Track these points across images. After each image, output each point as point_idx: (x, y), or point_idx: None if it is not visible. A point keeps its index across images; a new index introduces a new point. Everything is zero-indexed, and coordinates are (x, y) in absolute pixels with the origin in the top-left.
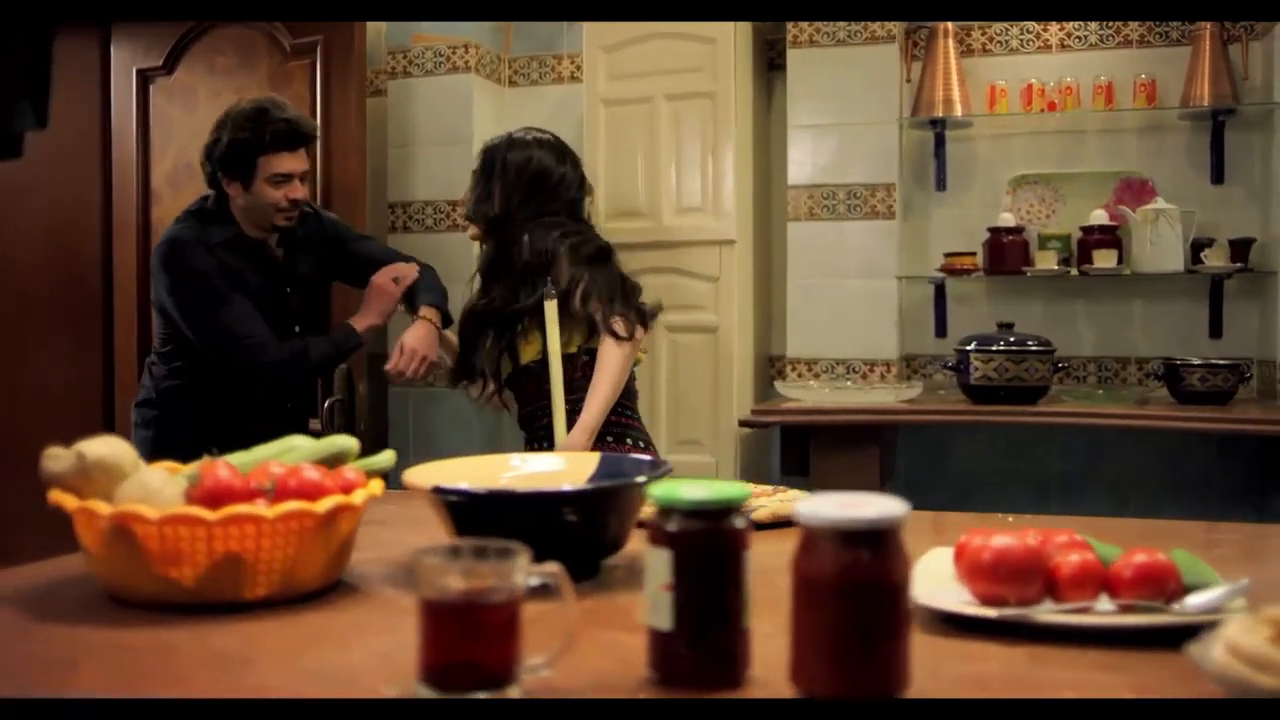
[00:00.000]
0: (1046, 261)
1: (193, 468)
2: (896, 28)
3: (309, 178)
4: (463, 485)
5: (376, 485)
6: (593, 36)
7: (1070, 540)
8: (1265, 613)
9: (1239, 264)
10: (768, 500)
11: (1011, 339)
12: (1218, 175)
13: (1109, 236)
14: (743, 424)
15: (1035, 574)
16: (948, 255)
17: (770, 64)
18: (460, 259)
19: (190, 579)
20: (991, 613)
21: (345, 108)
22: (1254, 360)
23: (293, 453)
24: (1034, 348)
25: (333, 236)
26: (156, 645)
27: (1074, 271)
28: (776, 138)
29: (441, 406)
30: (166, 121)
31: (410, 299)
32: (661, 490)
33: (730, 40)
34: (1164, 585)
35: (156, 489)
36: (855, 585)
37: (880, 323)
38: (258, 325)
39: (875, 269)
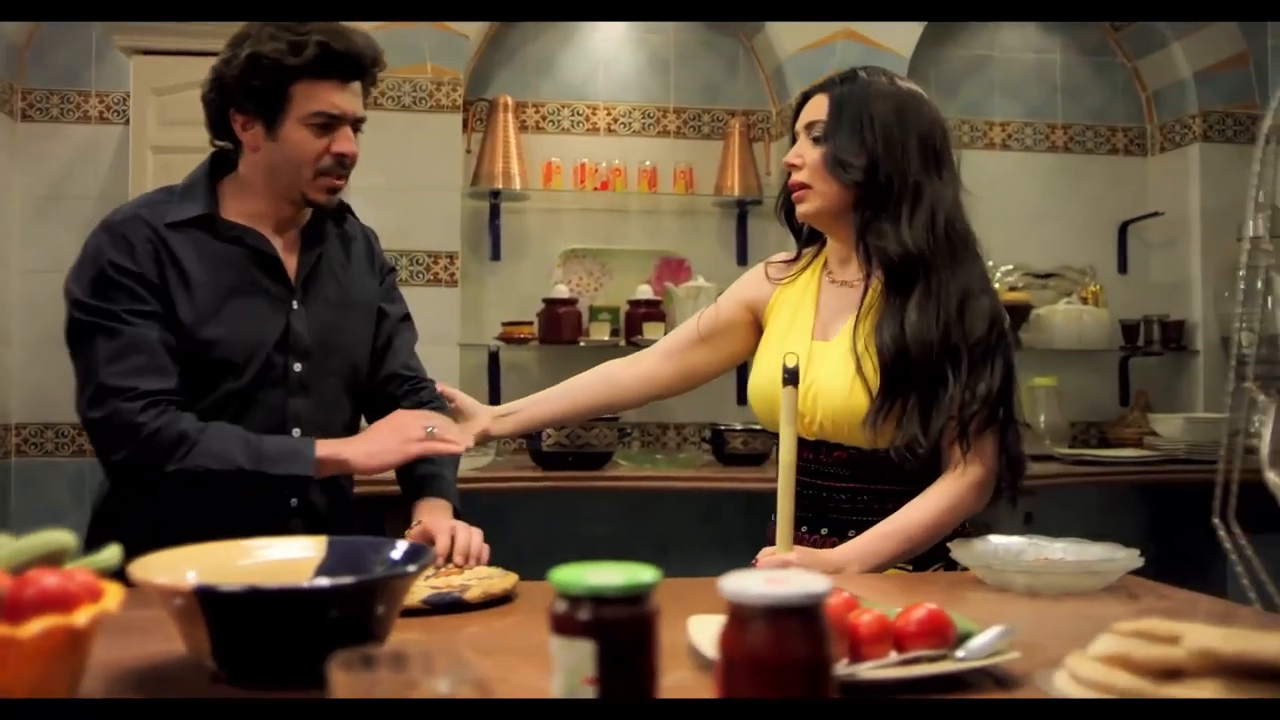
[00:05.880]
0: (600, 332)
1: None
2: (459, 97)
3: (361, 130)
4: (232, 584)
5: (116, 590)
6: (142, 76)
7: (846, 600)
8: (1093, 649)
9: None
10: (462, 578)
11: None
12: (742, 257)
13: (655, 310)
14: None
15: (842, 634)
16: (505, 324)
17: None
18: None
19: None
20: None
21: None
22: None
23: None
24: (603, 415)
25: (380, 267)
26: None
27: (623, 342)
28: None
29: (55, 480)
30: None
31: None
32: (570, 575)
33: None
34: (946, 635)
35: None
36: (793, 662)
37: None
38: (146, 363)
39: (438, 336)
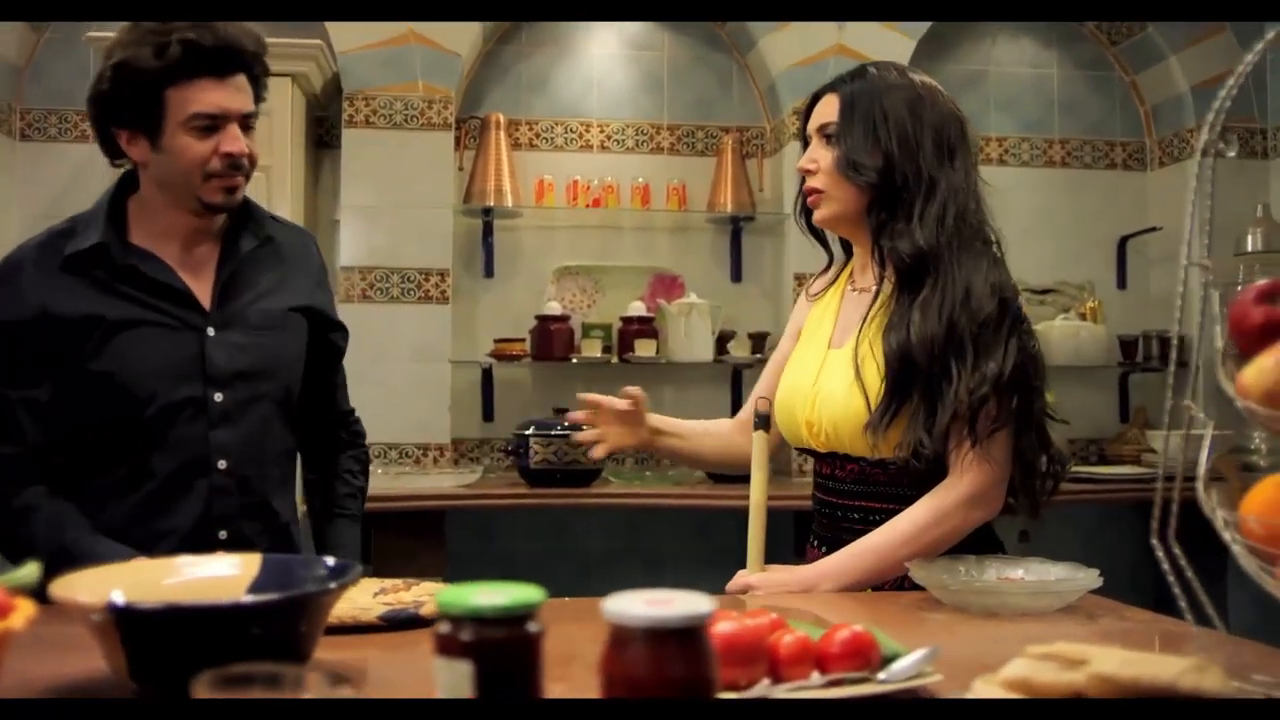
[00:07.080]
0: (591, 349)
1: None
2: (451, 116)
3: (253, 126)
4: (149, 601)
5: (27, 606)
6: None
7: (773, 621)
8: (1003, 673)
9: (757, 354)
10: (411, 595)
11: (568, 424)
12: (736, 274)
13: (647, 327)
14: None
15: (761, 656)
16: (497, 341)
17: (319, 141)
18: None
19: None
20: (733, 695)
21: None
22: None
23: None
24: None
25: (319, 281)
26: None
27: (615, 359)
28: (324, 216)
29: None
30: None
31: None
32: (452, 596)
33: (287, 112)
34: (869, 657)
35: None
36: (672, 683)
37: (433, 406)
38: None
39: (428, 353)
